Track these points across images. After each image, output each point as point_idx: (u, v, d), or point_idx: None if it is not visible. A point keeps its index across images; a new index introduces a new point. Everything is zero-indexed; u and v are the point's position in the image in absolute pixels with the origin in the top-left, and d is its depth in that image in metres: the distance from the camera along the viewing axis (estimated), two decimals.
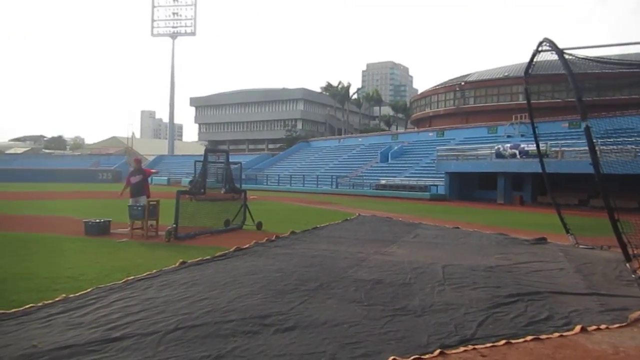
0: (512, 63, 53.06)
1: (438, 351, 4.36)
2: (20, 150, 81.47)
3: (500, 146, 32.44)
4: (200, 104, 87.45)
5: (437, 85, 60.52)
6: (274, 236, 11.43)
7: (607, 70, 11.68)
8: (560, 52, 7.47)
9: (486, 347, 4.55)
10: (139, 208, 11.04)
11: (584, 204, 29.62)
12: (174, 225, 10.71)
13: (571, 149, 30.09)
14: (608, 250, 10.56)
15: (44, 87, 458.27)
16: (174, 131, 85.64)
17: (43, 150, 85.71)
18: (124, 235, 11.20)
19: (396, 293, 6.41)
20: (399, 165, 44.98)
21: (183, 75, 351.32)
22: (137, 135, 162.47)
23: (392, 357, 4.15)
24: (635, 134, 28.26)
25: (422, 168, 42.01)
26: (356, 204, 26.10)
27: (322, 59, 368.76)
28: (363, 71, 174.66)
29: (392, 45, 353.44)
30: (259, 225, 12.99)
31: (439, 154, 37.18)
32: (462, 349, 4.48)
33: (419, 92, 73.65)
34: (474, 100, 54.22)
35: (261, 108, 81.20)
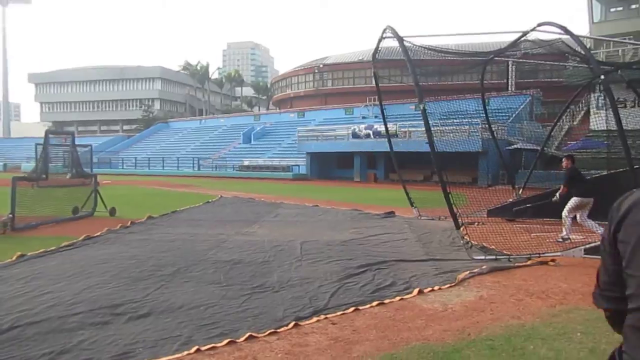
0: (368, 47, 55.84)
1: (292, 323, 4.57)
2: None
3: (355, 127, 34.16)
4: (42, 81, 78.91)
5: (297, 67, 61.59)
6: (129, 222, 10.90)
7: (449, 57, 12.86)
8: (400, 39, 8.09)
9: (336, 316, 4.88)
10: None
11: (428, 180, 32.42)
12: (10, 216, 9.69)
13: (418, 129, 32.69)
14: (445, 220, 11.79)
15: None
16: (9, 111, 76.49)
17: None
18: None
19: (255, 271, 6.55)
20: (262, 146, 45.24)
21: (18, 49, 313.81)
22: None
23: (248, 334, 4.27)
24: (470, 116, 31.49)
25: (284, 149, 42.72)
26: (219, 186, 25.80)
27: (181, 36, 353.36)
28: (224, 50, 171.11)
29: (253, 25, 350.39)
30: (112, 211, 12.29)
31: (299, 134, 38.05)
32: (314, 319, 4.75)
33: (280, 73, 74.26)
34: (331, 83, 56.19)
35: (114, 86, 75.70)
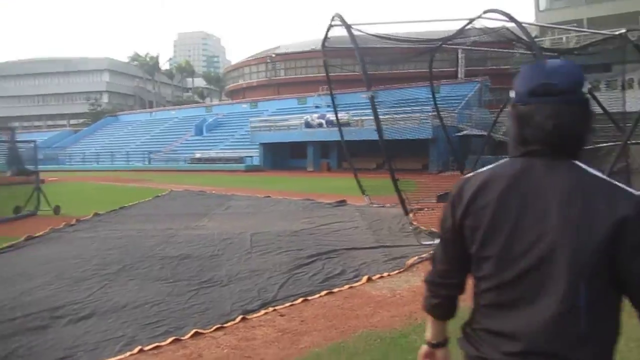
0: (321, 36, 55.55)
1: (240, 317, 4.53)
2: None
3: (308, 116, 34.12)
4: None
5: (249, 57, 60.83)
6: (74, 220, 10.52)
7: (399, 46, 12.97)
8: (348, 27, 8.08)
9: (285, 307, 4.87)
10: None
11: (381, 167, 32.79)
12: None
13: (370, 117, 32.94)
14: (395, 207, 11.98)
15: None
16: None
17: None
18: None
19: (203, 266, 6.45)
20: (214, 137, 44.56)
21: None
22: None
23: (194, 330, 4.20)
24: (421, 103, 32.01)
25: (237, 140, 42.21)
26: (170, 180, 25.25)
27: (130, 27, 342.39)
28: (175, 41, 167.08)
29: (204, 15, 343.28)
30: (57, 210, 11.81)
31: (252, 125, 37.71)
32: (262, 312, 4.73)
33: (232, 63, 73.18)
34: (284, 72, 55.80)
35: (59, 80, 72.56)
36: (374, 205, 12.26)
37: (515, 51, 10.82)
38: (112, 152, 44.45)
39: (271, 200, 14.33)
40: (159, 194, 16.39)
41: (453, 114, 33.21)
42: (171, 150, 43.58)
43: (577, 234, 1.19)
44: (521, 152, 1.31)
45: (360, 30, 8.48)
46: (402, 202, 7.79)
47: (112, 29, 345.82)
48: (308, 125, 33.76)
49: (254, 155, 36.81)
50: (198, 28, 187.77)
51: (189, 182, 22.94)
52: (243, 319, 4.52)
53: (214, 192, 17.24)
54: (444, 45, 10.98)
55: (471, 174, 1.38)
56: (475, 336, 1.34)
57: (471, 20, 8.79)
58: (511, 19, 7.55)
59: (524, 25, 7.73)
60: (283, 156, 37.17)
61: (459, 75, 43.01)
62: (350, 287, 5.49)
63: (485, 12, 8.19)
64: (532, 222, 1.24)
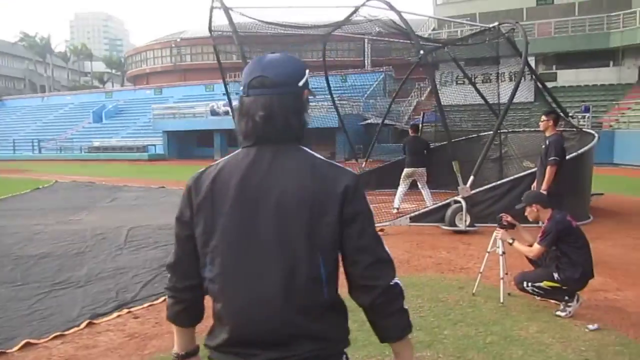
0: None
1: (86, 322, 4.08)
2: None
3: (214, 104, 33.15)
4: None
5: (153, 41, 58.01)
6: None
7: (288, 32, 12.70)
8: (226, 9, 7.69)
9: (143, 308, 4.48)
10: None
11: None
12: None
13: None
14: None
15: None
16: None
17: None
18: None
19: (63, 265, 5.84)
20: (115, 125, 42.07)
21: None
22: None
23: (25, 341, 3.70)
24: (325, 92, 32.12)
25: (140, 127, 40.13)
26: (61, 170, 23.42)
27: (18, 4, 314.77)
28: (71, 21, 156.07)
29: None
30: None
31: (155, 112, 36.04)
32: (115, 314, 4.30)
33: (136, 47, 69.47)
34: (190, 58, 53.88)
35: None
36: None
37: (397, 40, 10.93)
38: None
39: (165, 191, 13.62)
40: (40, 186, 15.03)
41: (358, 103, 33.74)
42: (66, 138, 40.58)
43: (311, 212, 1.26)
44: (248, 142, 1.33)
45: (244, 15, 8.13)
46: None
47: None
48: (214, 112, 32.79)
49: (157, 143, 35.21)
50: (98, 8, 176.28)
51: (82, 172, 21.38)
52: (89, 324, 4.08)
53: (103, 183, 16.12)
54: (333, 34, 10.87)
55: (210, 165, 1.38)
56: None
57: (357, 9, 8.73)
58: (391, 7, 7.54)
59: (404, 16, 7.74)
60: (189, 145, 35.88)
61: (366, 65, 43.84)
62: None
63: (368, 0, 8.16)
64: (268, 204, 1.27)
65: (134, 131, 39.57)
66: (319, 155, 1.35)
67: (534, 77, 11.37)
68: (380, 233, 1.81)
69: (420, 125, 11.13)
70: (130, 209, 10.24)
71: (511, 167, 10.48)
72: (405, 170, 9.41)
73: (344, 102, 33.11)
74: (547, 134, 6.23)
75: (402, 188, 9.36)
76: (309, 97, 1.39)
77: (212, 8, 7.92)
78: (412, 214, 7.83)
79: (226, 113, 32.92)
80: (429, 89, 34.99)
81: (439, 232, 7.60)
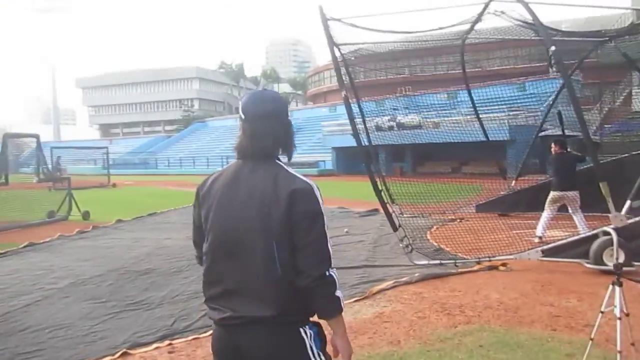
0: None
1: (121, 352, 3.96)
2: None
3: (379, 119, 33.06)
4: (88, 85, 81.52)
5: (330, 61, 60.69)
6: (91, 227, 10.62)
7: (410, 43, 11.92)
8: (325, 20, 7.27)
9: (186, 341, 4.24)
10: None
11: (457, 171, 31.08)
12: None
13: (447, 119, 31.35)
14: (427, 217, 10.90)
15: None
16: (58, 115, 79.84)
17: None
18: None
19: (153, 284, 5.98)
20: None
21: (65, 55, 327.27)
22: (22, 121, 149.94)
23: None
24: (503, 102, 30.10)
25: (314, 144, 42.07)
26: None
27: (221, 36, 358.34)
28: (267, 47, 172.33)
29: (295, 22, 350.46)
30: (86, 215, 12.06)
31: (325, 129, 37.39)
32: (155, 346, 4.13)
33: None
34: (363, 75, 54.97)
35: (154, 88, 77.20)
36: (405, 216, 11.19)
37: (528, 38, 9.29)
38: (193, 157, 46.21)
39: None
40: None
41: (536, 114, 30.70)
42: None
43: (269, 208, 1.70)
44: (239, 155, 1.84)
45: (355, 25, 7.67)
46: (389, 215, 6.80)
47: (201, 38, 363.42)
48: (378, 128, 32.67)
49: (327, 159, 36.43)
50: (289, 35, 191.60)
51: None
52: (124, 354, 3.95)
53: None
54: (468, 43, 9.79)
55: (217, 170, 1.95)
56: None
57: (487, 5, 7.61)
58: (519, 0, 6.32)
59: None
60: (357, 160, 36.40)
61: (551, 70, 39.70)
62: None
63: None
64: (239, 204, 1.75)
65: (309, 147, 41.54)
66: (287, 169, 1.81)
67: None
68: (502, 268, 4.21)
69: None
70: None
71: None
72: (552, 194, 7.91)
73: (518, 112, 30.36)
74: None
75: (547, 214, 7.88)
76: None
77: (325, 20, 7.53)
78: (546, 247, 6.43)
79: (390, 128, 32.66)
80: (626, 92, 30.14)
81: (579, 270, 6.10)
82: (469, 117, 29.85)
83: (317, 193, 1.73)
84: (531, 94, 32.08)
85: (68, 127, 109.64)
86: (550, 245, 6.44)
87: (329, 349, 1.81)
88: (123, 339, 4.25)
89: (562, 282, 5.74)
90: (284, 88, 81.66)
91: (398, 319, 4.64)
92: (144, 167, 47.65)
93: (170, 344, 4.15)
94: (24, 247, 8.54)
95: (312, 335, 1.76)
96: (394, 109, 39.91)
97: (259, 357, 1.72)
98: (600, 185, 6.08)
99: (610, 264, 5.89)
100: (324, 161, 36.37)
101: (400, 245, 6.75)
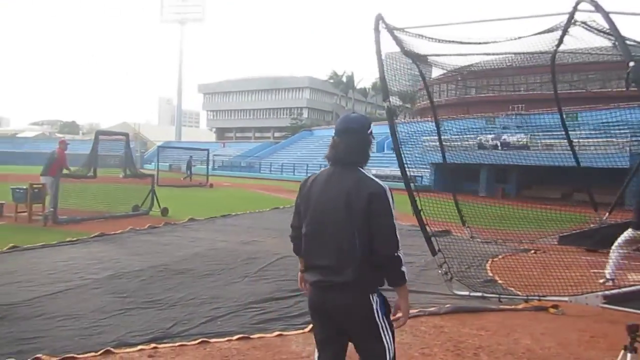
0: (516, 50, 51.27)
1: (103, 350, 4.00)
2: (32, 134, 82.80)
3: (482, 137, 31.57)
4: (208, 91, 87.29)
5: (440, 75, 59.17)
6: (163, 223, 11.15)
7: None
8: (391, 30, 6.90)
9: (172, 346, 4.17)
10: (21, 191, 10.84)
11: (568, 198, 28.65)
12: (52, 209, 10.50)
13: (558, 141, 29.08)
14: (501, 244, 10.05)
15: (64, 73, 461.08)
16: (181, 118, 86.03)
17: (56, 134, 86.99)
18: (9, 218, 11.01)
19: (181, 284, 6.06)
20: (394, 155, 44.11)
21: (194, 62, 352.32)
22: (155, 121, 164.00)
23: (38, 355, 3.81)
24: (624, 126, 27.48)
25: (415, 159, 41.09)
26: None
27: (335, 47, 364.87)
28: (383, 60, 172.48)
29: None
30: (165, 211, 12.69)
31: (425, 144, 36.34)
32: (139, 347, 4.11)
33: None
34: (475, 91, 52.82)
35: (268, 96, 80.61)
36: (477, 240, 10.43)
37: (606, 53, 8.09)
38: (294, 164, 47.30)
39: None
40: (281, 206, 16.58)
41: None
42: None
43: (352, 204, 2.30)
44: (331, 163, 2.46)
45: (409, 33, 7.26)
46: (428, 239, 6.27)
47: (316, 48, 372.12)
48: (481, 146, 31.19)
49: (425, 175, 35.40)
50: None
51: None
52: (107, 352, 3.98)
53: None
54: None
55: (314, 173, 2.56)
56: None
57: (572, 15, 6.82)
58: (597, 8, 5.54)
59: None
60: (457, 178, 34.95)
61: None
62: (279, 335, 4.50)
63: (577, 3, 6.25)
64: (331, 200, 2.36)
65: (410, 162, 40.60)
66: (366, 173, 2.40)
67: None
68: (552, 310, 5.18)
69: None
70: None
71: None
72: (630, 233, 6.88)
73: None
74: None
75: (618, 252, 6.85)
76: (373, 140, 2.49)
77: (376, 29, 7.13)
78: (609, 292, 5.54)
79: (494, 147, 30.94)
80: None
81: None
82: (590, 139, 27.44)
83: (389, 194, 2.31)
84: None
85: (192, 130, 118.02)
86: (615, 291, 5.55)
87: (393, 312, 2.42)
88: (116, 336, 4.29)
89: (619, 335, 4.86)
90: (393, 101, 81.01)
91: (399, 353, 4.18)
92: (248, 170, 49.68)
93: (155, 348, 4.11)
94: (94, 236, 9.15)
95: (379, 302, 2.33)
96: (504, 128, 37.90)
97: (338, 311, 2.33)
98: None
99: None
100: (421, 176, 35.36)
101: (439, 272, 6.21)
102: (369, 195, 2.26)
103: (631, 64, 5.23)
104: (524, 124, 36.76)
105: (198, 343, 4.24)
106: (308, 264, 2.46)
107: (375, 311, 2.30)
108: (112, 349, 4.02)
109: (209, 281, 6.25)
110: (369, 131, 2.45)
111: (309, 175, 2.60)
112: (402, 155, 6.48)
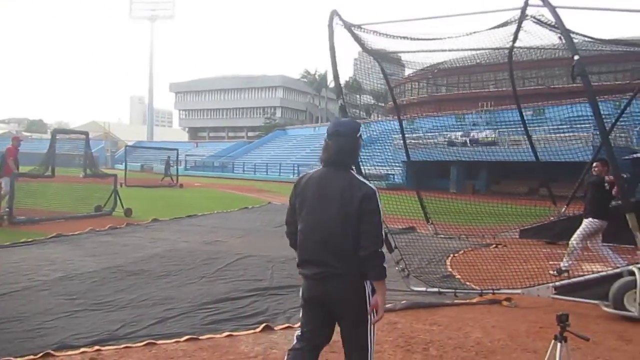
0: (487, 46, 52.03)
1: (43, 353, 3.88)
2: None
3: (452, 134, 31.96)
4: (180, 90, 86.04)
5: (411, 73, 59.65)
6: (125, 223, 10.94)
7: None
8: (349, 27, 6.87)
9: (117, 349, 4.07)
10: None
11: (535, 193, 29.18)
12: (7, 209, 10.21)
13: (533, 137, 29.59)
14: (464, 239, 10.19)
15: (31, 70, 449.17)
16: (153, 117, 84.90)
17: (22, 133, 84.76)
18: None
19: (134, 285, 5.93)
20: (367, 154, 43.80)
21: (165, 60, 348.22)
22: (127, 121, 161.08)
23: None
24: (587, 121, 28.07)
25: (387, 157, 41.32)
26: None
27: (307, 45, 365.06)
28: (355, 59, 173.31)
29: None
30: (128, 212, 12.43)
31: (395, 142, 36.60)
32: (81, 350, 4.00)
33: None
34: (445, 89, 53.43)
35: (240, 95, 79.95)
36: (440, 236, 10.52)
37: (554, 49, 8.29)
38: (266, 163, 47.11)
39: None
40: (250, 206, 16.44)
41: (627, 134, 28.28)
42: None
43: (346, 203, 2.56)
44: (323, 164, 2.72)
45: (364, 29, 7.25)
46: (384, 236, 6.28)
47: (289, 47, 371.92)
48: (451, 143, 31.57)
49: (397, 172, 35.61)
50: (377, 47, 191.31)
51: None
52: (47, 354, 3.86)
53: None
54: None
55: (307, 172, 2.81)
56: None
57: (524, 9, 6.92)
58: (545, 2, 5.61)
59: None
60: (428, 175, 35.27)
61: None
62: (229, 335, 4.44)
63: None
64: (326, 198, 2.62)
65: (381, 160, 40.82)
66: (357, 176, 2.68)
67: None
68: (505, 303, 5.56)
69: None
70: (277, 239, 10.17)
71: None
72: (599, 223, 7.01)
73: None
74: None
75: (579, 244, 7.00)
76: (362, 143, 2.80)
77: (330, 25, 7.03)
78: (559, 283, 5.63)
79: (464, 144, 31.36)
80: None
81: (596, 313, 5.28)
82: (556, 135, 27.95)
83: (377, 196, 2.58)
84: (628, 112, 29.51)
85: (164, 129, 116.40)
86: (564, 282, 5.65)
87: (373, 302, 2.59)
88: (60, 338, 4.17)
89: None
90: (365, 99, 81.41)
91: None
92: (221, 170, 49.29)
93: (98, 350, 4.00)
94: (51, 237, 8.92)
95: (370, 287, 2.59)
96: (474, 125, 38.40)
97: (337, 298, 2.59)
98: (627, 216, 5.26)
99: (632, 309, 5.06)
100: (393, 175, 35.56)
101: (397, 268, 6.22)
102: (362, 195, 2.54)
103: (576, 57, 5.33)
104: (492, 120, 37.40)
105: (144, 345, 4.15)
106: (304, 258, 2.67)
107: (367, 296, 2.59)
108: (52, 352, 3.91)
109: (164, 282, 6.14)
110: (358, 135, 2.71)
111: (302, 174, 2.84)
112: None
